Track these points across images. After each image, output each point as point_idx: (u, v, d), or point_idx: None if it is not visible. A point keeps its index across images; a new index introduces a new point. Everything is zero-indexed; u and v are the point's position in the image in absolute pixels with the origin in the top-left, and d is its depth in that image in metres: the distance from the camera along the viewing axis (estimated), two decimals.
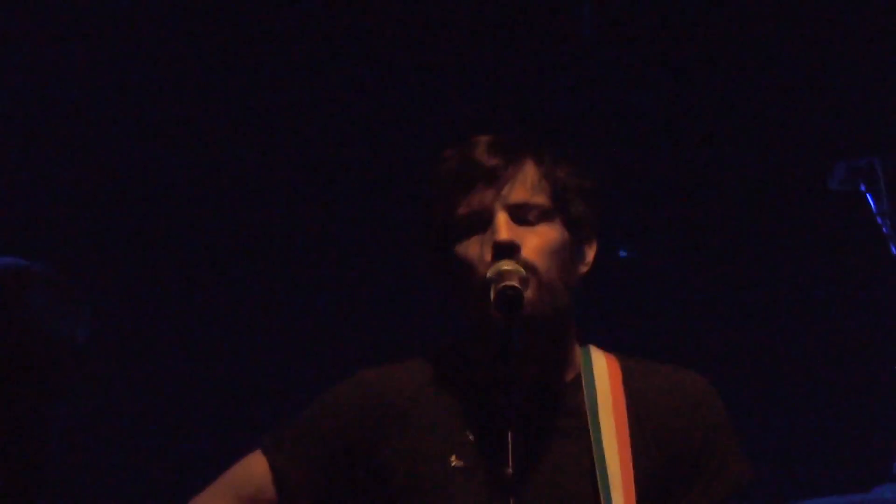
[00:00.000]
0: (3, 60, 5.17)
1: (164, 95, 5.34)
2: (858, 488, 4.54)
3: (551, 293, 2.80)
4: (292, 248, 5.43)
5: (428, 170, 2.93)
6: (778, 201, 5.55)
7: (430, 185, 2.90)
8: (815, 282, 5.56)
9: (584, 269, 2.90)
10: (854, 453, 5.31)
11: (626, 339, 5.05)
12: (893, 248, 4.09)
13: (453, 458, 2.82)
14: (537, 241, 2.81)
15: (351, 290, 5.44)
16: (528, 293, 2.76)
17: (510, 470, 2.57)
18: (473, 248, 2.82)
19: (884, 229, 4.11)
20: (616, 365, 2.92)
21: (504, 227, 2.80)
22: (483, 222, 2.82)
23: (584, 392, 2.87)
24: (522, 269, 2.77)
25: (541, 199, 2.85)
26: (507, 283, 2.74)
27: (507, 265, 2.76)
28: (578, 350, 2.93)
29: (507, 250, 2.78)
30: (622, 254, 4.72)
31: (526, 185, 2.84)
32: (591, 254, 2.91)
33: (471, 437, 2.83)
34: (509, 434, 2.59)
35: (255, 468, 2.93)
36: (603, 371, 2.90)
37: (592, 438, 2.82)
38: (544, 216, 2.84)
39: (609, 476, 2.79)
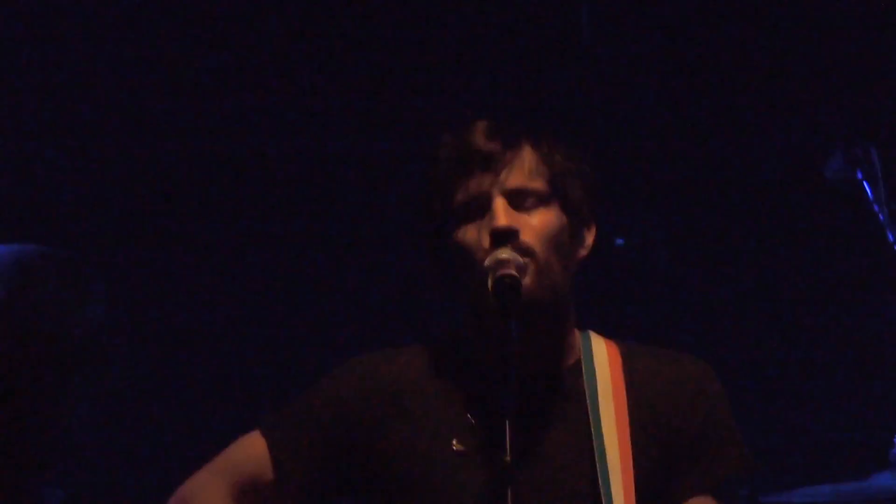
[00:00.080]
0: (22, 51, 5.21)
1: (172, 87, 5.36)
2: (857, 476, 4.55)
3: (550, 278, 2.80)
4: (296, 235, 5.44)
5: (425, 155, 2.93)
6: (774, 189, 5.56)
7: (428, 171, 2.90)
8: (812, 270, 5.57)
9: (583, 252, 2.90)
10: (852, 441, 5.31)
11: (625, 325, 5.07)
12: (890, 236, 4.09)
13: (454, 441, 2.82)
14: (535, 227, 2.81)
15: (356, 275, 5.44)
16: (527, 280, 2.77)
17: (507, 457, 2.58)
18: (471, 235, 2.82)
19: (880, 217, 4.11)
20: (615, 350, 2.92)
21: (502, 213, 2.80)
22: (481, 208, 2.82)
23: (584, 377, 2.87)
24: (520, 257, 2.77)
25: (538, 185, 2.85)
26: (505, 271, 2.75)
27: (504, 253, 2.77)
28: (578, 335, 2.93)
29: (506, 236, 2.78)
30: (619, 242, 4.72)
31: (524, 170, 2.84)
32: (590, 238, 2.91)
33: (472, 420, 2.83)
34: (507, 422, 2.60)
35: (253, 450, 2.92)
36: (603, 356, 2.90)
37: (592, 424, 2.82)
38: (542, 201, 2.84)
39: (608, 461, 2.79)
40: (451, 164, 2.85)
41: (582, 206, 2.89)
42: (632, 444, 2.81)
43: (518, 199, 2.83)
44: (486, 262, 2.77)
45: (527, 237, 2.79)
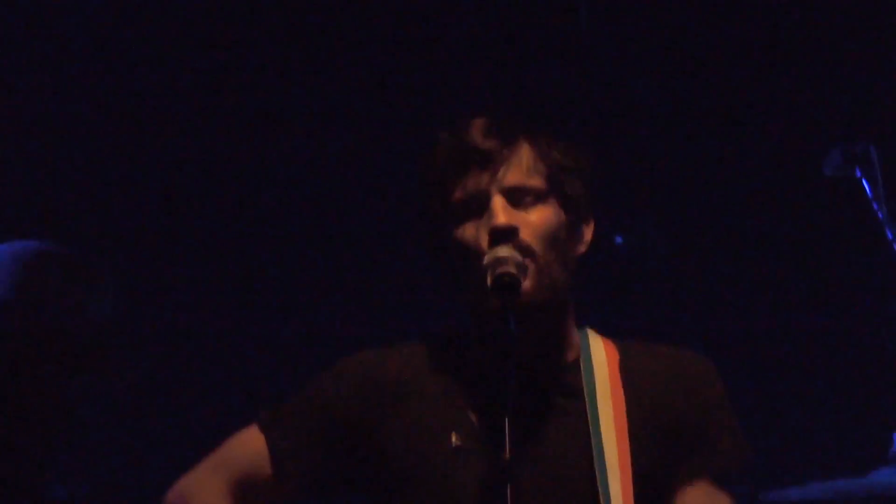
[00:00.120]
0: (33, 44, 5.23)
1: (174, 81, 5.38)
2: (856, 473, 4.55)
3: (549, 276, 2.81)
4: (297, 232, 5.45)
5: (421, 152, 2.93)
6: (773, 186, 5.56)
7: (425, 169, 2.90)
8: (811, 267, 5.57)
9: (581, 248, 2.91)
10: (852, 438, 5.32)
11: (625, 323, 5.07)
12: (889, 233, 4.09)
13: (454, 437, 2.83)
14: (534, 224, 2.81)
15: (359, 272, 5.45)
16: (527, 279, 2.77)
17: (507, 455, 2.59)
18: (470, 233, 2.82)
19: (879, 215, 4.11)
20: (613, 348, 2.93)
21: (501, 212, 2.80)
22: (479, 206, 2.83)
23: (583, 374, 2.88)
24: (519, 255, 2.78)
25: (536, 182, 2.85)
26: (504, 269, 2.75)
27: (503, 251, 2.77)
28: (576, 332, 2.94)
29: (505, 235, 2.79)
30: (618, 240, 4.72)
31: (521, 167, 2.85)
32: (588, 233, 2.91)
33: (471, 417, 2.84)
34: (506, 420, 2.61)
35: (251, 445, 2.93)
36: (600, 354, 2.91)
37: (590, 421, 2.82)
38: (540, 198, 2.85)
39: (606, 458, 2.79)
40: (449, 161, 2.85)
41: (580, 202, 2.89)
42: (630, 440, 2.82)
43: (516, 197, 2.83)
44: (485, 260, 2.78)
45: (526, 235, 2.80)
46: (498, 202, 2.82)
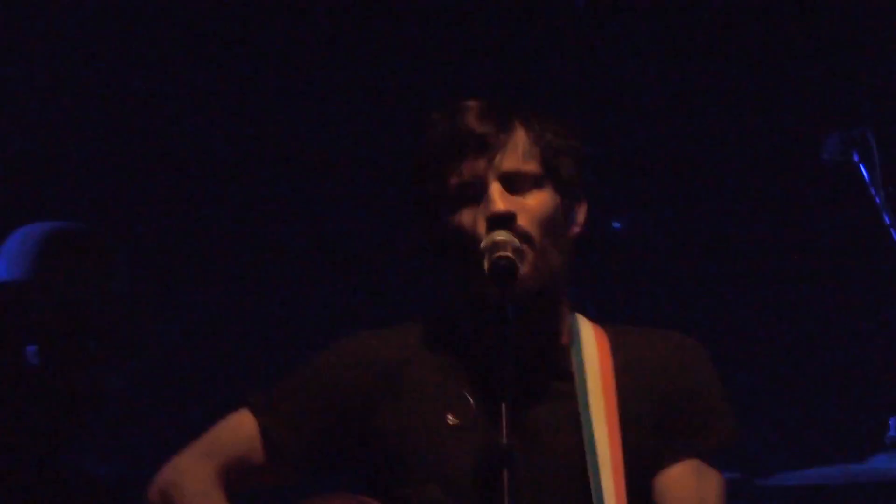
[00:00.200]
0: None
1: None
2: (853, 458, 4.56)
3: (547, 261, 2.81)
4: (289, 220, 5.45)
5: (414, 135, 2.92)
6: (771, 171, 5.55)
7: (419, 153, 2.89)
8: (809, 251, 5.57)
9: (576, 230, 2.90)
10: (848, 423, 5.32)
11: (621, 308, 5.07)
12: (886, 218, 4.09)
13: (450, 416, 2.82)
14: (531, 210, 2.80)
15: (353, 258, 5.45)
16: (524, 264, 2.77)
17: (504, 440, 2.58)
18: (466, 219, 2.81)
19: (877, 199, 4.11)
20: (602, 333, 2.93)
21: (499, 199, 2.80)
22: (476, 192, 2.82)
23: (573, 357, 2.88)
24: (516, 240, 2.77)
25: (532, 166, 2.84)
26: (501, 253, 2.75)
27: (500, 235, 2.77)
28: (569, 316, 2.93)
29: (503, 222, 2.78)
30: (616, 226, 4.71)
31: (517, 152, 2.83)
32: (581, 215, 2.91)
33: (468, 396, 2.83)
34: (503, 405, 2.60)
35: (243, 429, 2.91)
36: (591, 338, 2.91)
37: (580, 404, 2.83)
38: (536, 183, 2.84)
39: (596, 442, 2.80)
40: (445, 146, 2.84)
41: (574, 184, 2.89)
42: (620, 423, 2.82)
43: (513, 182, 2.83)
44: (483, 245, 2.77)
45: (523, 222, 2.79)
46: (495, 189, 2.81)
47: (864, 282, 5.38)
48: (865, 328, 5.47)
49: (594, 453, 2.79)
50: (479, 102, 2.88)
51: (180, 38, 5.35)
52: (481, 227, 2.79)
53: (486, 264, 2.75)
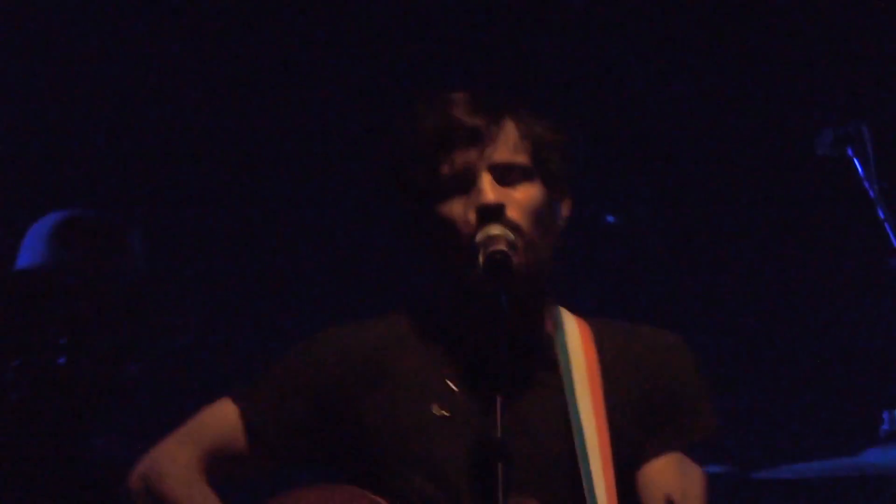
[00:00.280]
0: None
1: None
2: (847, 452, 4.57)
3: (535, 253, 2.82)
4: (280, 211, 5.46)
5: (401, 125, 2.92)
6: (764, 165, 5.56)
7: (407, 143, 2.89)
8: (803, 246, 5.58)
9: (561, 225, 2.91)
10: (842, 417, 5.33)
11: (614, 302, 5.08)
12: (881, 212, 4.09)
13: (435, 406, 2.83)
14: (520, 202, 2.82)
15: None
16: (516, 256, 2.77)
17: (498, 434, 2.59)
18: (456, 209, 2.82)
19: (871, 193, 4.11)
20: (585, 324, 2.95)
21: (489, 189, 2.81)
22: (466, 183, 2.83)
23: (558, 348, 2.89)
24: (511, 234, 2.78)
25: (522, 159, 2.86)
26: (497, 247, 2.76)
27: (495, 229, 2.77)
28: (553, 308, 2.95)
29: (493, 212, 2.79)
30: (609, 219, 4.72)
31: (508, 144, 2.85)
32: (565, 210, 2.92)
33: (452, 387, 2.84)
34: (497, 399, 2.61)
35: (225, 417, 2.90)
36: (574, 329, 2.93)
37: (567, 394, 2.84)
38: (525, 175, 2.85)
39: (584, 432, 2.81)
40: (436, 137, 2.84)
41: (561, 179, 2.90)
42: (607, 413, 2.83)
43: (503, 174, 2.84)
44: (478, 238, 2.78)
45: (513, 213, 2.80)
46: (486, 179, 2.82)
47: (857, 276, 5.39)
48: (859, 322, 5.48)
49: (583, 443, 2.80)
50: (467, 94, 2.89)
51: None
52: (471, 217, 2.80)
53: (480, 258, 2.75)
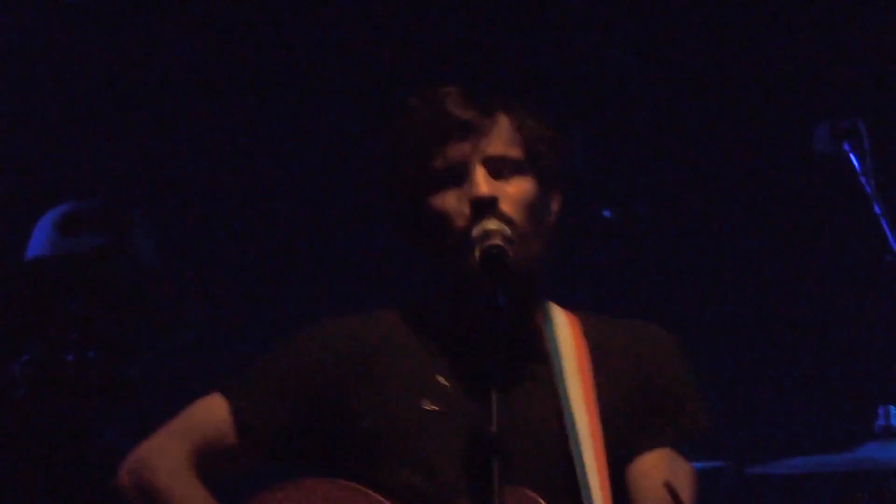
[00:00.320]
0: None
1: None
2: (842, 447, 4.57)
3: (528, 247, 2.83)
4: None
5: (394, 119, 2.91)
6: (761, 162, 5.56)
7: (399, 136, 2.90)
8: (799, 241, 5.58)
9: (551, 220, 2.92)
10: (837, 413, 5.33)
11: (608, 296, 5.08)
12: (877, 208, 4.09)
13: (425, 401, 2.83)
14: (513, 195, 2.83)
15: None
16: (511, 251, 2.78)
17: (494, 429, 2.59)
18: (450, 201, 2.83)
19: (867, 189, 4.12)
20: (574, 318, 2.96)
21: (483, 182, 2.82)
22: (459, 175, 2.84)
23: (549, 341, 2.90)
24: (507, 229, 2.79)
25: (516, 152, 2.87)
26: (493, 241, 2.76)
27: (492, 224, 2.78)
28: (543, 302, 2.95)
29: (487, 205, 2.80)
30: (606, 214, 4.72)
31: (502, 137, 2.86)
32: (556, 205, 2.93)
33: (443, 382, 2.84)
34: (493, 393, 2.61)
35: (214, 411, 2.90)
36: (564, 323, 2.94)
37: (559, 387, 2.85)
38: (518, 169, 2.86)
39: (577, 425, 2.82)
40: (429, 129, 2.85)
41: (553, 174, 2.90)
42: (598, 403, 2.84)
43: (497, 167, 2.85)
44: (474, 233, 2.79)
45: (505, 206, 2.82)
46: (480, 172, 2.83)
47: (854, 272, 5.39)
48: (856, 318, 5.49)
49: (576, 435, 2.81)
50: (459, 88, 2.90)
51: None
52: (465, 209, 2.81)
53: (477, 253, 2.76)
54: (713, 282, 5.61)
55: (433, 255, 2.89)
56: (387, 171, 2.92)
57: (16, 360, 3.74)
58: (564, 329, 2.93)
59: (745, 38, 5.53)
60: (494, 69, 5.28)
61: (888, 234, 4.08)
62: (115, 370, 3.73)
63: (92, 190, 4.79)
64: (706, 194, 5.63)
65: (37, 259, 3.79)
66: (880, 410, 4.52)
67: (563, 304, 2.99)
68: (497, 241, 2.77)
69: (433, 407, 2.83)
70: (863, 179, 4.17)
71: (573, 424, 2.82)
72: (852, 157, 4.19)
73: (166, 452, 2.87)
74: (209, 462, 2.89)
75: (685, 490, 2.83)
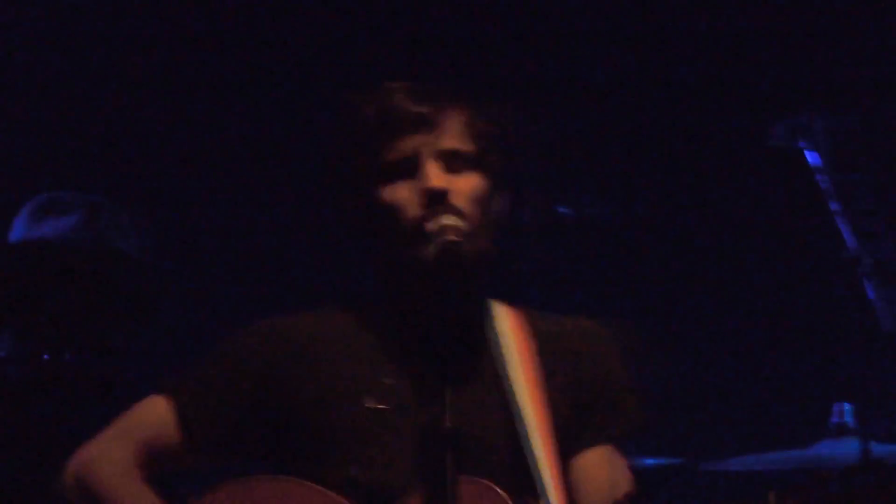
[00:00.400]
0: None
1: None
2: (796, 444, 4.58)
3: (478, 242, 2.83)
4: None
5: (340, 113, 2.90)
6: (718, 157, 5.57)
7: (346, 131, 2.89)
8: (754, 238, 5.59)
9: (501, 215, 2.92)
10: (792, 409, 5.35)
11: (567, 297, 5.07)
12: (832, 205, 4.11)
13: (368, 399, 2.82)
14: (464, 190, 2.83)
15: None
16: (465, 245, 2.77)
17: (448, 424, 2.58)
18: (401, 193, 2.82)
19: (822, 185, 4.13)
20: (515, 313, 2.96)
21: (435, 174, 2.82)
22: (411, 168, 2.83)
23: (493, 336, 2.90)
24: (462, 224, 2.78)
25: (468, 147, 2.87)
26: (449, 237, 2.76)
27: (448, 219, 2.78)
28: (485, 297, 2.96)
29: (438, 197, 2.79)
30: (563, 211, 4.72)
31: (454, 132, 2.86)
32: (505, 202, 2.93)
33: (386, 381, 2.83)
34: (446, 388, 2.60)
35: (157, 411, 2.88)
36: (505, 318, 2.94)
37: (504, 381, 2.85)
38: (470, 163, 2.86)
39: (525, 418, 2.82)
40: (379, 123, 2.85)
41: (503, 171, 2.90)
42: (543, 397, 2.85)
43: (449, 161, 2.85)
44: (430, 228, 2.78)
45: (457, 200, 2.82)
46: (431, 165, 2.83)
47: (809, 269, 5.41)
48: (810, 315, 5.50)
49: (525, 428, 2.81)
50: (406, 84, 2.90)
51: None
52: (416, 202, 2.81)
53: (432, 248, 2.75)
54: (667, 279, 5.61)
55: (382, 249, 2.88)
56: (334, 165, 2.90)
57: None
58: (507, 324, 2.93)
59: (707, 33, 5.54)
60: (451, 66, 5.27)
61: (843, 230, 4.09)
62: (91, 370, 3.70)
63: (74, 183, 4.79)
64: (660, 190, 5.64)
65: (7, 245, 3.79)
66: (834, 408, 4.54)
67: (502, 300, 2.98)
68: (453, 236, 2.76)
69: (377, 405, 2.81)
70: (818, 176, 4.18)
71: (521, 418, 2.82)
72: (807, 153, 4.20)
73: (110, 453, 2.85)
74: (154, 461, 2.87)
75: (624, 489, 2.82)
